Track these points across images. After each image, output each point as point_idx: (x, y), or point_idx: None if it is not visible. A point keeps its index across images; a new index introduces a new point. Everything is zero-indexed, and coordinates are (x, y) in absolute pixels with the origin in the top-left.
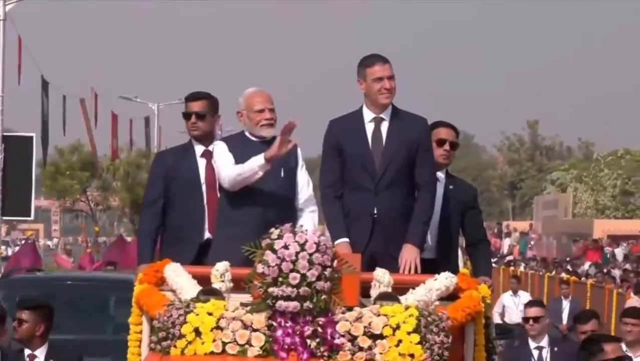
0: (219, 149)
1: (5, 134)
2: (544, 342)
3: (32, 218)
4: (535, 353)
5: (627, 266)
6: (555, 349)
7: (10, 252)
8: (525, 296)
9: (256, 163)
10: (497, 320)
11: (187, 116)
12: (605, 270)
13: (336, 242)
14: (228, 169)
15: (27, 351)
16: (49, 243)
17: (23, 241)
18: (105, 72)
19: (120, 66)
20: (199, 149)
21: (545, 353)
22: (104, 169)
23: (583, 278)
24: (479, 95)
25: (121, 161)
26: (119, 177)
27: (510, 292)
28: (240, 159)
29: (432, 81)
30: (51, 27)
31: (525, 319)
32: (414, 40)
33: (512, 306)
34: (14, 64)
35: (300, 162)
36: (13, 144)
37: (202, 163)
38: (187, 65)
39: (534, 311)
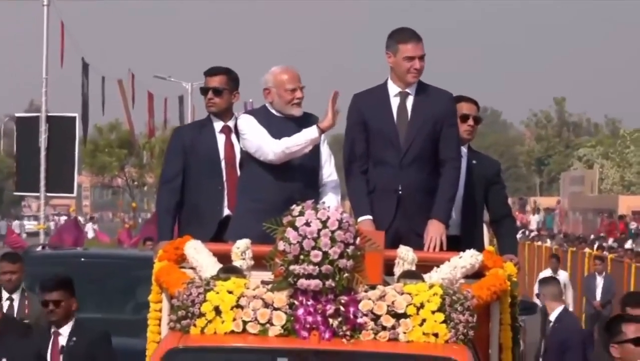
0: (251, 122)
1: (49, 114)
2: (552, 315)
3: (74, 194)
4: None
5: None
6: (557, 325)
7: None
8: (563, 275)
9: (309, 136)
10: (536, 299)
11: (204, 91)
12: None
13: (359, 219)
14: (272, 142)
15: (52, 329)
16: (80, 218)
17: (56, 217)
18: (141, 53)
19: (156, 46)
20: (217, 124)
21: (550, 326)
22: (140, 146)
23: (605, 252)
24: (507, 72)
25: (156, 139)
26: (155, 155)
27: (550, 270)
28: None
29: (462, 58)
30: (89, 10)
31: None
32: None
33: None
34: (56, 47)
35: (323, 136)
36: (56, 124)
37: (221, 139)
38: (220, 44)
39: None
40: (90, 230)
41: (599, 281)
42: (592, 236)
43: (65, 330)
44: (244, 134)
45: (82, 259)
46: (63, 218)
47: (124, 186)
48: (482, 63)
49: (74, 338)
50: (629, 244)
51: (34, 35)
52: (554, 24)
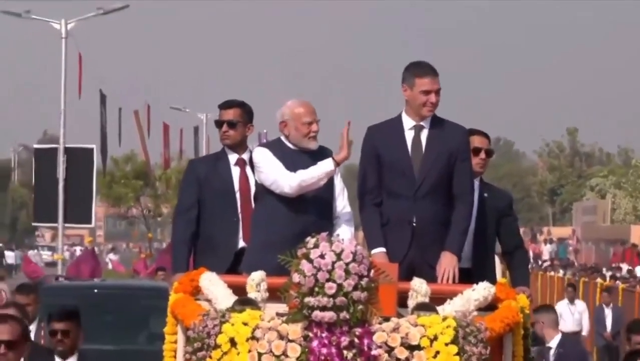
0: (266, 155)
1: (67, 145)
2: (553, 343)
3: (92, 225)
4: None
5: None
6: (561, 350)
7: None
8: (580, 305)
9: (324, 169)
10: None
11: (219, 124)
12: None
13: (373, 251)
14: (288, 175)
15: (57, 358)
16: (97, 248)
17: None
18: (157, 84)
19: (172, 77)
20: (232, 157)
21: (552, 352)
22: (156, 178)
23: (618, 282)
24: (520, 102)
25: (172, 170)
26: (170, 186)
27: (566, 300)
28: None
29: (474, 87)
30: (106, 41)
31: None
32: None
33: (569, 315)
34: (74, 78)
35: (337, 169)
36: (75, 155)
37: (235, 171)
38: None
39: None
40: (109, 261)
41: (607, 313)
42: (604, 268)
43: None
44: (260, 167)
45: (96, 290)
46: (78, 248)
47: (140, 217)
48: (497, 93)
49: None
50: None
51: (51, 66)
52: (567, 54)
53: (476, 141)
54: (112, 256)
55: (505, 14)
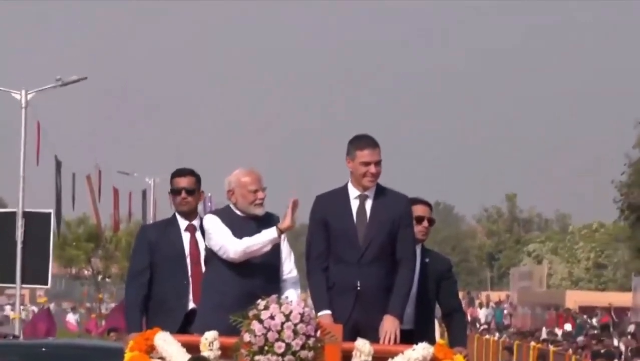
0: (215, 222)
1: (25, 210)
2: None
3: (49, 286)
4: None
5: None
6: None
7: None
8: None
9: (268, 237)
10: None
11: (177, 191)
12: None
13: (319, 313)
14: (234, 242)
15: None
16: (33, 308)
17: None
18: (107, 149)
19: (121, 143)
20: (183, 223)
21: None
22: (107, 240)
23: (550, 346)
24: (459, 167)
25: (122, 232)
26: (119, 248)
27: None
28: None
29: (415, 151)
30: (61, 110)
31: None
32: (394, 115)
33: None
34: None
35: (283, 235)
36: (33, 219)
37: (186, 237)
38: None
39: None
40: (72, 320)
41: None
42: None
43: None
44: (209, 233)
45: (43, 349)
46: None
47: (90, 278)
48: (437, 159)
49: None
50: (580, 339)
51: (10, 134)
52: (505, 119)
53: (419, 210)
54: (71, 315)
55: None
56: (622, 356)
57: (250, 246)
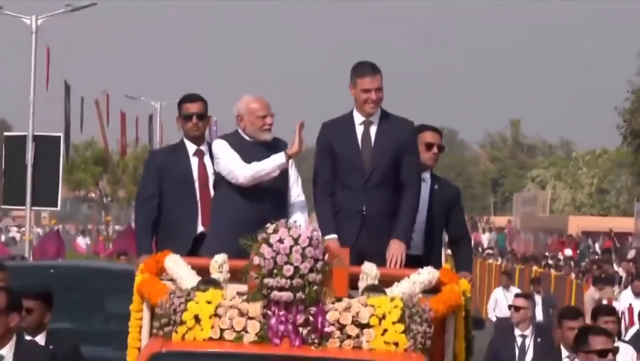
0: (224, 147)
1: (35, 133)
2: (528, 331)
3: (58, 208)
4: (519, 340)
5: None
6: (539, 340)
7: (3, 238)
8: (515, 292)
9: (276, 162)
10: (490, 314)
11: (188, 117)
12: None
13: (326, 237)
14: (243, 166)
15: (27, 337)
16: (38, 230)
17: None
18: (116, 74)
19: (129, 68)
20: (191, 148)
21: (529, 342)
22: (115, 164)
23: (553, 271)
24: (465, 93)
25: (129, 157)
26: (127, 172)
27: (502, 288)
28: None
29: (421, 77)
30: (70, 35)
31: (510, 307)
32: (401, 39)
33: (504, 301)
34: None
35: (291, 160)
36: (43, 143)
37: (194, 162)
38: (184, 66)
39: (517, 301)
40: (82, 243)
41: (538, 300)
42: (545, 253)
43: (41, 339)
44: (218, 158)
45: (52, 270)
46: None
47: (98, 200)
48: (440, 84)
49: (51, 347)
50: (582, 265)
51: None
52: (513, 46)
53: (429, 137)
54: (81, 238)
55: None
56: (622, 281)
57: (259, 171)
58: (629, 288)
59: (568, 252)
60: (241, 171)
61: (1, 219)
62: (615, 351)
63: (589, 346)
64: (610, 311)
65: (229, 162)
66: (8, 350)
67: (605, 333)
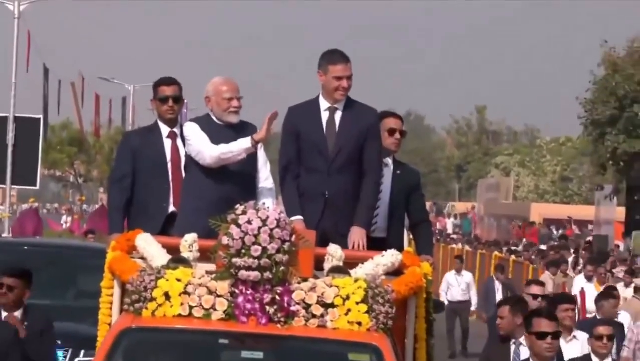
0: (194, 129)
1: (16, 115)
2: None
3: (37, 187)
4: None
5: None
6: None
7: None
8: (467, 276)
9: (243, 145)
10: (442, 297)
11: (164, 100)
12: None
13: (291, 218)
14: (211, 148)
15: (3, 313)
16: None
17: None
18: (91, 56)
19: (103, 50)
20: (164, 130)
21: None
22: (90, 145)
23: (512, 256)
24: (432, 78)
25: (103, 138)
26: (102, 153)
27: (454, 271)
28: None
29: (388, 63)
30: (50, 19)
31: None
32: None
33: (455, 285)
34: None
35: (259, 144)
36: (23, 124)
37: (167, 143)
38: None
39: (534, 289)
40: (63, 222)
41: (498, 285)
42: (509, 240)
43: (17, 315)
44: (188, 139)
45: (25, 247)
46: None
47: (73, 180)
48: (409, 67)
49: (25, 323)
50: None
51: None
52: (480, 30)
53: (391, 122)
54: (65, 217)
55: None
56: (576, 266)
57: (225, 153)
58: (582, 273)
59: (529, 238)
60: (208, 152)
61: None
62: (556, 335)
63: (531, 328)
64: (569, 299)
65: (197, 143)
66: None
67: (548, 316)
